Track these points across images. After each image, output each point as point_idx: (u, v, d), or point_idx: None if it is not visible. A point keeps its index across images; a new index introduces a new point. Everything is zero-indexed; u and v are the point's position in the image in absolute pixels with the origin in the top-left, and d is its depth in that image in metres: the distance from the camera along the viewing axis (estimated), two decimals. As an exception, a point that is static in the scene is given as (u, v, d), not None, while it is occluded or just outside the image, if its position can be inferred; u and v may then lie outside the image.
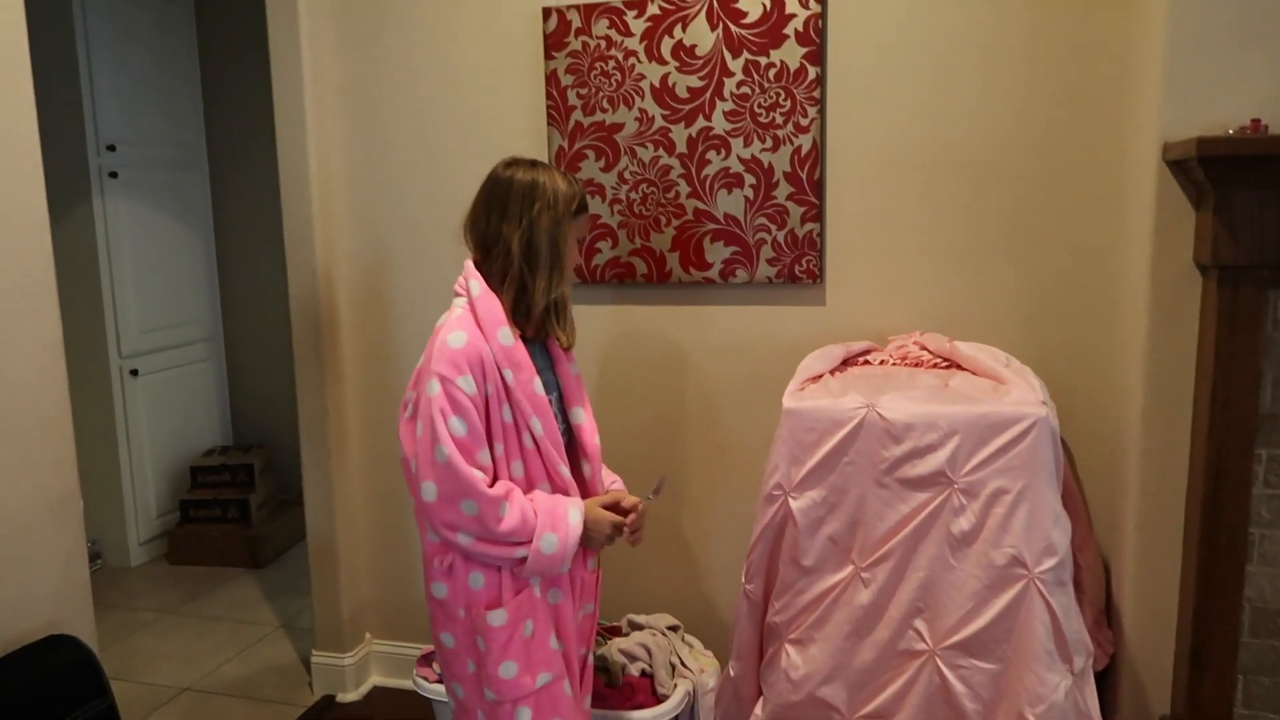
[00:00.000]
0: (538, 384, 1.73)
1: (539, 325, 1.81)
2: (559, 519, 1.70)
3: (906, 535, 1.88)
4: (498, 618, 1.70)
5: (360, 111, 2.72)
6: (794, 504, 1.96)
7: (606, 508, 1.84)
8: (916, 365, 2.23)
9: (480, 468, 1.66)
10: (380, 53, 2.67)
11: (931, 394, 1.94)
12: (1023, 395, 1.87)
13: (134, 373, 3.91)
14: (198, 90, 4.21)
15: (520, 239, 1.72)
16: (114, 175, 3.78)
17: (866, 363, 2.28)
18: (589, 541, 1.77)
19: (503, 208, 1.74)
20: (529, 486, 1.76)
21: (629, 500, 1.86)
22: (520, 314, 1.76)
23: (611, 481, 1.99)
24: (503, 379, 1.69)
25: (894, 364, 2.26)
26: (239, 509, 4.03)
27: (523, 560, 1.69)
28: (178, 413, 4.18)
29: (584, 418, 1.89)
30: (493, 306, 1.71)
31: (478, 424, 1.65)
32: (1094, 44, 2.18)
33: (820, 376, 2.14)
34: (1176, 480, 2.04)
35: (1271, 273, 1.88)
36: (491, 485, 1.67)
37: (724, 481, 2.59)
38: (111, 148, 3.76)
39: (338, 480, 2.84)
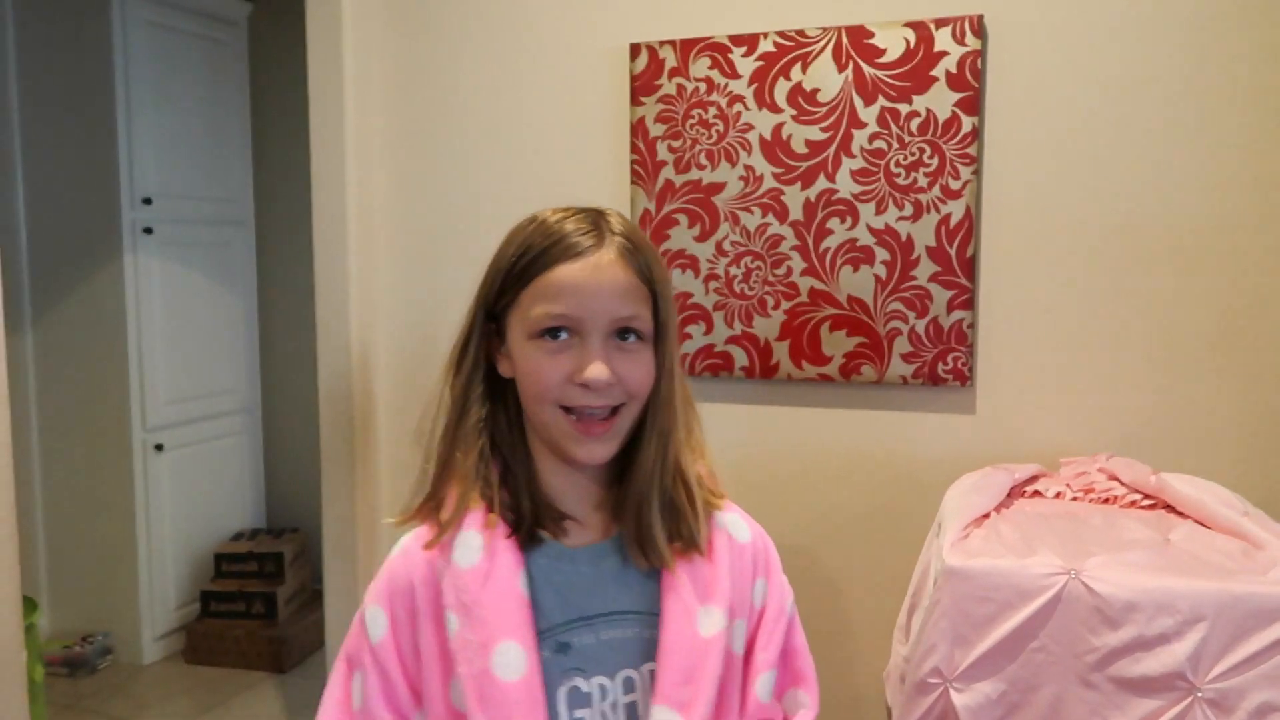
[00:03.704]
0: (500, 658, 0.86)
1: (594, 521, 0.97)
2: None
3: (1124, 758, 1.35)
4: None
5: (409, 166, 2.31)
6: (958, 698, 1.44)
7: None
8: (1106, 502, 1.71)
9: None
10: (435, 94, 2.27)
11: (1156, 557, 1.41)
12: (1295, 568, 1.34)
13: (158, 447, 3.53)
14: (247, 140, 3.88)
15: (453, 355, 0.98)
16: (149, 231, 3.44)
17: (1037, 494, 1.76)
18: None
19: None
20: None
21: None
22: (523, 501, 0.95)
23: None
24: (447, 628, 0.90)
25: (1072, 498, 1.74)
26: (265, 603, 3.59)
27: None
28: (205, 492, 3.78)
29: None
30: (465, 492, 0.94)
31: (377, 694, 0.93)
32: (1348, 91, 1.68)
33: (987, 516, 1.63)
34: None
35: None
36: None
37: (837, 635, 2.06)
38: (148, 201, 3.43)
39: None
